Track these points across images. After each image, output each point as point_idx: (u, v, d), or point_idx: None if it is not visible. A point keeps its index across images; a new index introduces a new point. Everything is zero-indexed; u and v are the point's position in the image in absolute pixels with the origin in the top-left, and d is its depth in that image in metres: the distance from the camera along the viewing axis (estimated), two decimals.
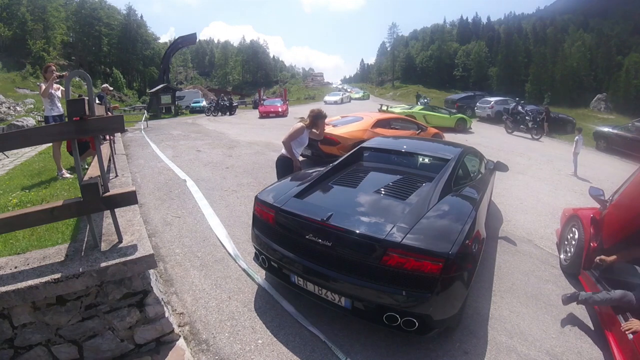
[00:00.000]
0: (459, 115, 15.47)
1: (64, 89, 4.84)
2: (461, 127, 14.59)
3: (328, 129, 6.01)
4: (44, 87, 4.51)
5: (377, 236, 2.13)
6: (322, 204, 2.64)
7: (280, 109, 19.38)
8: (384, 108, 15.71)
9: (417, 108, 15.75)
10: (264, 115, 19.06)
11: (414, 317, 2.09)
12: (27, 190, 3.59)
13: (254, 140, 10.18)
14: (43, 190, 3.64)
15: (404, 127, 7.69)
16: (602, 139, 13.34)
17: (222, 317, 2.58)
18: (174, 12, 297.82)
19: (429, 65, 69.54)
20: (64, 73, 4.72)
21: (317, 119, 3.98)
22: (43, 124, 6.04)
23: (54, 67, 4.58)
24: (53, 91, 4.59)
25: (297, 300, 2.72)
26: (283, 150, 4.02)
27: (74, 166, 3.06)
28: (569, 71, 52.21)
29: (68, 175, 4.42)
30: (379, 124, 7.08)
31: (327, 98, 33.80)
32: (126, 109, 32.65)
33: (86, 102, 1.97)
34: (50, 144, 6.83)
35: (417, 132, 7.64)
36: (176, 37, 35.71)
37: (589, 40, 55.73)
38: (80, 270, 1.87)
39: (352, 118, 7.58)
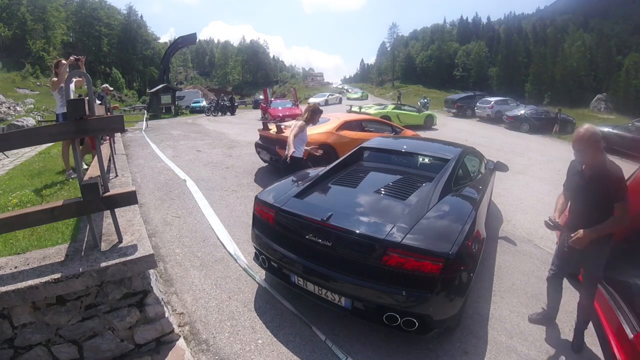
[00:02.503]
0: (427, 112, 16.35)
1: (79, 78, 4.62)
2: (429, 123, 15.57)
3: (289, 132, 5.65)
4: (55, 79, 4.32)
5: (377, 236, 2.13)
6: (322, 204, 2.64)
7: (295, 112, 15.88)
8: (355, 109, 15.38)
9: (390, 107, 15.84)
10: (278, 119, 14.55)
11: (414, 317, 2.09)
12: (27, 190, 3.58)
13: (254, 140, 10.16)
14: (44, 190, 3.64)
15: (377, 129, 7.18)
16: (602, 139, 13.33)
17: (222, 317, 2.58)
18: (174, 12, 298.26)
19: (429, 65, 69.58)
20: (80, 57, 4.44)
21: (314, 113, 4.10)
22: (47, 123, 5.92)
23: (64, 61, 4.41)
24: (64, 85, 4.28)
25: (297, 300, 2.72)
26: (287, 151, 3.97)
27: (74, 166, 3.06)
28: (569, 71, 52.26)
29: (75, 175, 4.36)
30: (347, 126, 6.50)
31: (311, 100, 30.70)
32: (126, 109, 32.67)
33: (86, 102, 1.97)
34: (51, 144, 6.84)
35: (391, 134, 7.05)
36: (176, 37, 35.69)
37: (589, 40, 55.80)
38: (80, 270, 1.87)
39: (321, 120, 6.88)
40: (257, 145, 6.65)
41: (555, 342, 2.56)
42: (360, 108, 15.72)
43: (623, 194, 2.14)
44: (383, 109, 15.59)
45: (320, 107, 4.69)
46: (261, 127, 6.63)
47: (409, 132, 7.75)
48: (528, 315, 2.79)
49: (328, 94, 35.80)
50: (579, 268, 2.57)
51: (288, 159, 3.85)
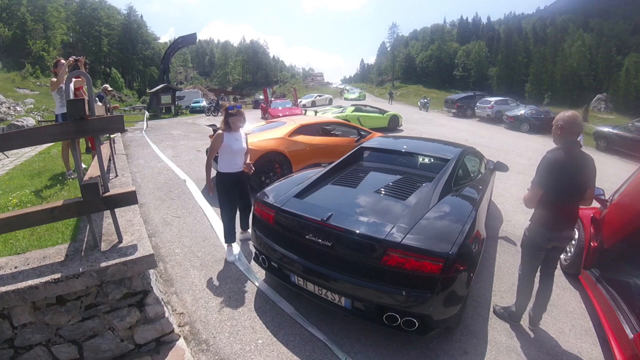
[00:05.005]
0: (391, 113, 14.63)
1: (80, 78, 4.53)
2: (394, 124, 14.16)
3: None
4: (54, 80, 4.27)
5: (377, 236, 2.13)
6: (322, 204, 2.64)
7: (295, 112, 16.12)
8: (312, 113, 14.33)
9: (350, 110, 13.80)
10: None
11: (414, 317, 2.09)
12: (27, 190, 3.58)
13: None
14: (44, 190, 3.64)
15: (343, 132, 6.63)
16: (602, 139, 13.34)
17: (222, 317, 2.58)
18: (174, 12, 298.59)
19: (429, 65, 69.55)
20: (79, 58, 4.40)
21: (228, 117, 3.20)
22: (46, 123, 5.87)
23: (63, 61, 4.37)
24: (64, 85, 4.24)
25: (297, 301, 2.72)
26: (221, 168, 3.30)
27: (75, 167, 3.05)
28: (569, 71, 52.22)
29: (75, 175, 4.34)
30: (302, 130, 5.88)
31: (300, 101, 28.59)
32: (126, 109, 32.69)
33: (86, 102, 1.97)
34: (51, 144, 6.83)
35: (356, 139, 6.44)
36: (176, 37, 35.72)
37: (589, 40, 55.75)
38: (80, 270, 1.87)
39: (275, 124, 6.43)
40: (207, 151, 5.96)
41: (555, 341, 2.56)
42: (316, 112, 14.22)
43: (535, 177, 2.33)
44: (342, 112, 13.76)
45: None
46: (212, 133, 5.90)
47: (376, 135, 6.70)
48: (493, 306, 2.86)
49: (316, 94, 33.26)
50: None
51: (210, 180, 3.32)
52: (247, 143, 3.41)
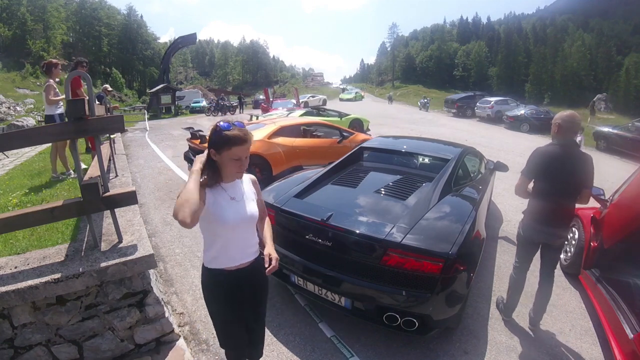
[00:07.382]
0: (353, 116, 12.11)
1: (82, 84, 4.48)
2: (357, 130, 10.82)
3: None
4: (53, 95, 4.09)
5: (377, 236, 2.14)
6: (322, 204, 2.64)
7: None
8: (254, 118, 12.24)
9: (298, 114, 11.31)
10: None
11: (414, 317, 2.09)
12: (27, 190, 3.58)
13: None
14: (44, 190, 3.64)
15: (325, 133, 6.49)
16: (602, 139, 13.33)
17: None
18: (174, 12, 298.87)
19: (429, 65, 69.55)
20: (81, 59, 4.39)
21: (219, 147, 1.35)
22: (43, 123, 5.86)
23: (57, 61, 4.27)
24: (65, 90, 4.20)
25: (297, 301, 2.72)
26: (207, 259, 1.54)
27: (75, 167, 3.05)
28: (569, 71, 52.25)
29: (74, 175, 4.32)
30: (282, 132, 5.72)
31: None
32: (126, 109, 32.69)
33: (86, 102, 1.97)
34: (50, 144, 6.81)
35: (339, 139, 6.35)
36: (176, 37, 35.72)
37: (589, 40, 55.80)
38: (80, 270, 1.87)
39: (256, 125, 6.27)
40: (185, 157, 5.93)
41: (556, 341, 2.56)
42: (257, 117, 12.66)
43: (524, 167, 2.44)
44: (287, 115, 11.05)
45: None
46: (189, 136, 5.68)
47: (361, 136, 6.70)
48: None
49: (309, 95, 32.36)
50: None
51: None
52: (259, 199, 1.68)
